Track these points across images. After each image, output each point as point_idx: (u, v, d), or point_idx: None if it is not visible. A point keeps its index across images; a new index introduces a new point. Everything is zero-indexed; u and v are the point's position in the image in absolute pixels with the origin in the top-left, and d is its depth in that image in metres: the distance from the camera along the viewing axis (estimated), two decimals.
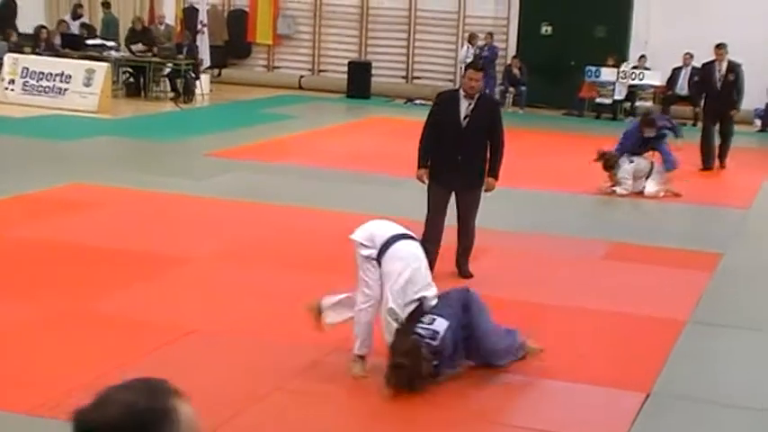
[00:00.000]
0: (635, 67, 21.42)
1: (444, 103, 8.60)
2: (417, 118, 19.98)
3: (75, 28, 22.56)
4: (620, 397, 6.29)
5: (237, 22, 24.47)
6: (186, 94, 20.67)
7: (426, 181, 8.65)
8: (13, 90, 19.20)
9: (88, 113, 18.19)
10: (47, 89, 19.03)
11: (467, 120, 8.42)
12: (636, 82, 21.34)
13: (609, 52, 21.63)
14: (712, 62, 15.51)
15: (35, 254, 8.82)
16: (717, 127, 15.30)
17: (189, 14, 22.19)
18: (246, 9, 24.49)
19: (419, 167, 8.66)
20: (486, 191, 8.69)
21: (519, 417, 5.91)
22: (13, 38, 21.10)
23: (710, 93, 15.42)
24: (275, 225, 10.41)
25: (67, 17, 23.06)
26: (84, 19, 23.23)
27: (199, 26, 21.88)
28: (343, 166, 13.07)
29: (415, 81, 23.80)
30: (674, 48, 20.90)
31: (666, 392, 6.38)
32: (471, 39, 22.40)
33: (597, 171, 13.19)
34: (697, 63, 20.90)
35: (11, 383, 6.00)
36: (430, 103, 24.96)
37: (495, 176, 8.63)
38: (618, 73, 21.25)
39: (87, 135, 15.92)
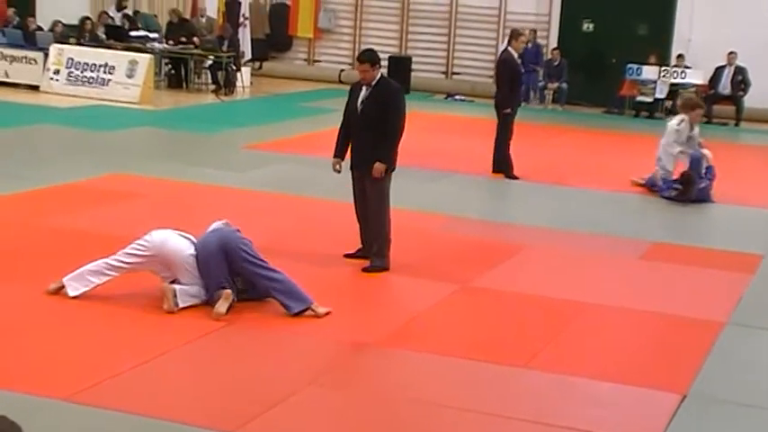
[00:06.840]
0: (675, 66, 21.24)
1: (351, 92, 8.81)
2: (457, 113, 20.11)
3: (117, 19, 22.74)
4: (655, 398, 6.24)
5: (279, 16, 24.55)
6: (227, 86, 20.78)
7: (338, 169, 8.94)
8: (57, 80, 19.39)
9: (130, 104, 18.34)
10: (90, 80, 19.20)
11: (362, 105, 8.64)
12: (678, 80, 21.15)
13: (651, 50, 21.46)
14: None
15: (72, 243, 8.88)
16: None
17: (231, 7, 22.28)
18: (288, 2, 24.58)
19: (333, 156, 8.93)
20: (372, 176, 8.62)
21: (552, 415, 5.88)
22: (59, 28, 21.30)
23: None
24: (313, 218, 10.44)
25: (111, 9, 23.25)
26: (128, 10, 23.41)
27: (241, 19, 22.03)
28: None
29: (455, 77, 23.75)
30: (717, 46, 20.70)
31: (703, 394, 6.33)
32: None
33: (637, 170, 13.09)
34: (741, 62, 20.77)
35: (46, 370, 6.05)
36: (470, 98, 24.82)
37: (381, 160, 8.60)
38: (659, 71, 21.07)
39: (129, 126, 16.05)
